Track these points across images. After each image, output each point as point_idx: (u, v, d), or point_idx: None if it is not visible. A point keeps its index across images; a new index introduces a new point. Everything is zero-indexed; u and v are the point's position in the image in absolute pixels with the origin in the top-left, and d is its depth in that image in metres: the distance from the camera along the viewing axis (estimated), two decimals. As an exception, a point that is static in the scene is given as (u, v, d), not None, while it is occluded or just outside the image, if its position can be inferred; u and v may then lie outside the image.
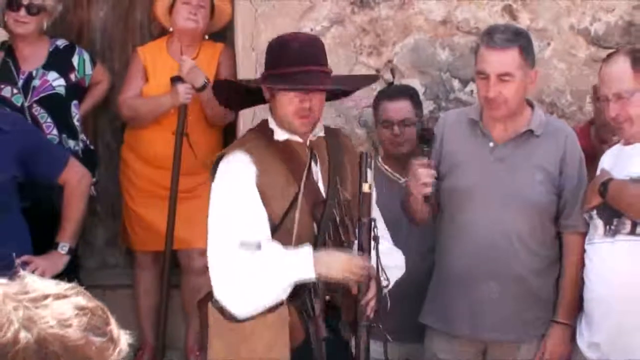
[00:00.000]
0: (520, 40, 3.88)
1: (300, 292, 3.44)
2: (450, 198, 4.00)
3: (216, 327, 3.48)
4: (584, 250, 3.89)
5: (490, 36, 3.87)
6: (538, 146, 3.95)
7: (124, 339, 1.58)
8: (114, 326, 1.57)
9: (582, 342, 3.85)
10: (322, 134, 3.65)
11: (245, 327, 3.41)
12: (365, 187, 3.43)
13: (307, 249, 3.38)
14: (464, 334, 3.98)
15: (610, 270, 3.72)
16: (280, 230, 3.47)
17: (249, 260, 3.37)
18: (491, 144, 3.96)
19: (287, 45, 3.55)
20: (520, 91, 3.88)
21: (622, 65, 3.75)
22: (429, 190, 3.73)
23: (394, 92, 4.63)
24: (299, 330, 3.44)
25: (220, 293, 3.42)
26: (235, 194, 3.47)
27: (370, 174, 3.43)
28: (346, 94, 3.95)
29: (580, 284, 3.88)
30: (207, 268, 3.65)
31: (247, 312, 3.39)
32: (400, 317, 3.92)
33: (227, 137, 5.14)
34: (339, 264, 3.38)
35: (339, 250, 3.45)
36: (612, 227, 3.76)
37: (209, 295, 3.50)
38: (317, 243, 3.47)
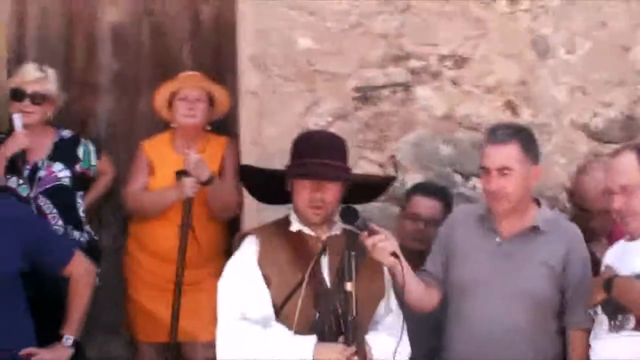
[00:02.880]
0: (520, 135, 3.96)
1: None
2: (456, 290, 4.05)
3: None
4: (588, 346, 3.90)
5: (493, 132, 3.99)
6: (543, 242, 3.99)
7: None
8: None
9: None
10: (338, 232, 3.79)
11: None
12: (348, 286, 3.56)
13: (313, 338, 3.55)
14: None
15: (615, 365, 3.73)
16: (282, 314, 3.63)
17: (256, 335, 3.56)
18: (498, 239, 4.02)
19: (309, 139, 3.82)
20: (522, 185, 3.94)
21: (628, 159, 3.81)
22: None
23: (431, 189, 4.65)
24: None
25: None
26: (238, 270, 3.69)
27: (353, 273, 3.55)
28: (366, 199, 4.06)
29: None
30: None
31: None
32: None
33: (232, 231, 5.12)
34: (329, 353, 3.53)
35: (335, 343, 3.57)
36: (617, 323, 3.78)
37: None
38: (317, 332, 3.59)
